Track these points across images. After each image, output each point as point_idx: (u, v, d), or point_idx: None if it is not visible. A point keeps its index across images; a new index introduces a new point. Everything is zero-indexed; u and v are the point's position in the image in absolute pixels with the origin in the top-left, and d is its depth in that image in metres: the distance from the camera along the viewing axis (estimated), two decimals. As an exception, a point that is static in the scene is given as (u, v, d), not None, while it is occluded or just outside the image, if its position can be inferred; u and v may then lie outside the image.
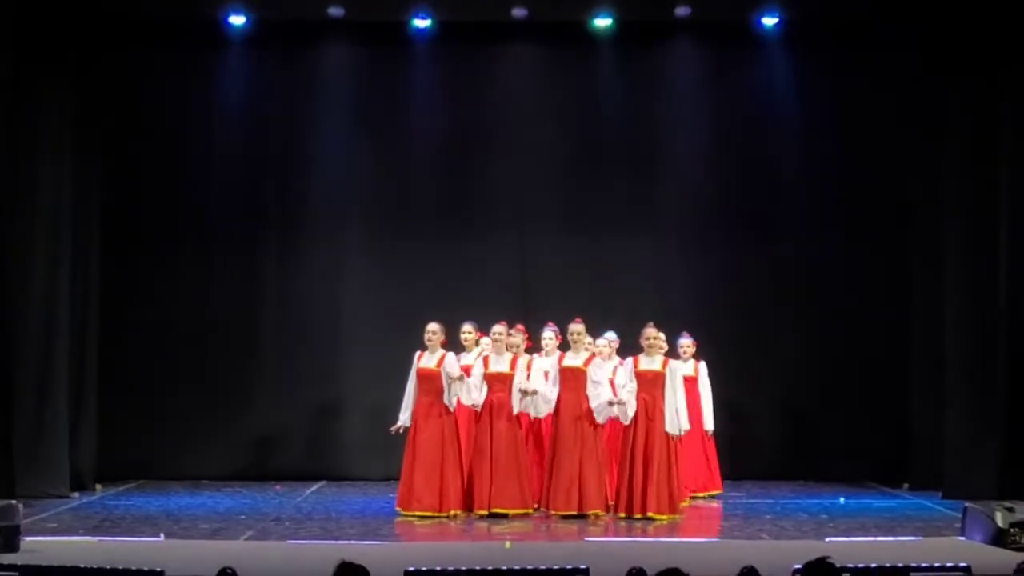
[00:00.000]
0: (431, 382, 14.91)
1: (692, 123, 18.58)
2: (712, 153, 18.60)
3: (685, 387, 16.17)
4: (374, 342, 18.17)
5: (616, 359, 15.51)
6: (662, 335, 15.30)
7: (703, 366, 16.53)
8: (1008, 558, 11.51)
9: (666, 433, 14.41)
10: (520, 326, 15.59)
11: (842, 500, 16.27)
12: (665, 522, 14.24)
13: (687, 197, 18.60)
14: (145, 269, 18.24)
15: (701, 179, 18.59)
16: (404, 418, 15.03)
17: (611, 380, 14.93)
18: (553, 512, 14.61)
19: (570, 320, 15.12)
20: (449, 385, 14.84)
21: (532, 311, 16.97)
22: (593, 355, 14.95)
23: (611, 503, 14.75)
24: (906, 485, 17.17)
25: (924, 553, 11.87)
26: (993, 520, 12.50)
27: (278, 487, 17.45)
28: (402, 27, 18.18)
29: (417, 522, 14.58)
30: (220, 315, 18.34)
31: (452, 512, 14.79)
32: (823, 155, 18.43)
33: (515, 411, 14.87)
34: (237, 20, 17.97)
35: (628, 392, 14.54)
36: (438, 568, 9.32)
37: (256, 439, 18.22)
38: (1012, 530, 12.40)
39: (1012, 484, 15.41)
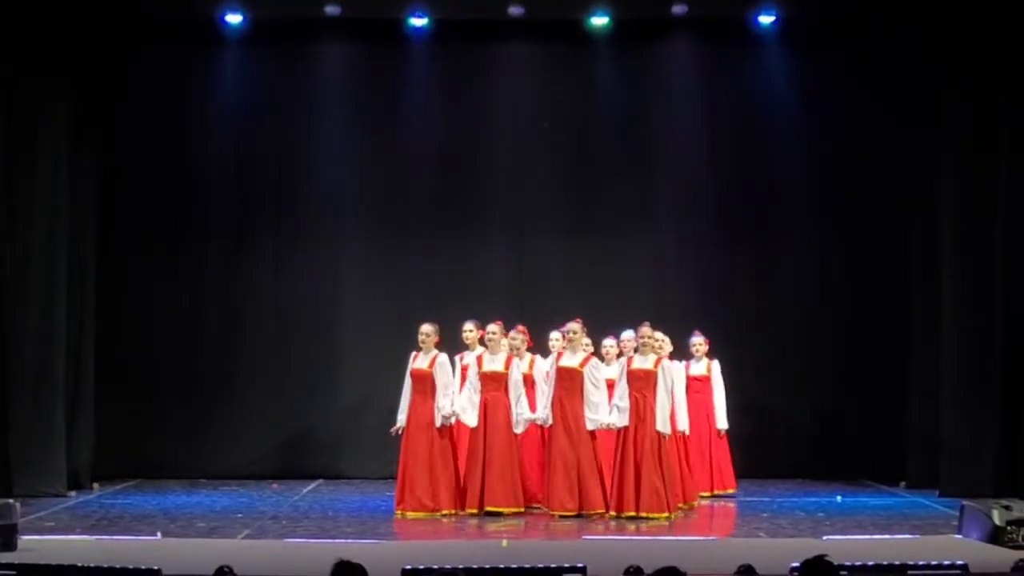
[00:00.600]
0: (424, 382, 14.94)
1: (689, 121, 18.58)
2: (709, 151, 18.60)
3: (697, 386, 16.27)
4: (371, 341, 18.18)
5: (624, 360, 15.44)
6: (659, 334, 15.30)
7: (716, 365, 16.52)
8: (1005, 556, 11.51)
9: (657, 432, 14.39)
10: (521, 327, 15.56)
11: (839, 498, 16.27)
12: (659, 521, 14.20)
13: (684, 196, 18.60)
14: (142, 269, 18.24)
15: (698, 177, 18.59)
16: (402, 419, 15.05)
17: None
18: (552, 511, 14.60)
19: (568, 320, 15.11)
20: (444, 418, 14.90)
21: (529, 311, 16.96)
22: (590, 355, 14.94)
23: (609, 502, 14.74)
24: (903, 483, 17.18)
25: (921, 551, 11.87)
26: (990, 518, 12.51)
27: (275, 486, 17.45)
28: (399, 25, 18.18)
29: (414, 520, 14.58)
30: (217, 315, 18.35)
31: (448, 511, 14.80)
32: (820, 154, 18.43)
33: (518, 431, 14.91)
34: (234, 19, 17.95)
35: (623, 412, 14.53)
36: (435, 567, 9.32)
37: (253, 438, 18.22)
38: (1009, 528, 12.41)
39: (1009, 482, 15.44)
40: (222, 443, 18.15)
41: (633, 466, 14.36)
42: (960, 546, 12.52)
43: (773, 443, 17.79)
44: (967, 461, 16.10)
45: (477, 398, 14.96)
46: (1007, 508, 12.57)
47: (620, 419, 14.51)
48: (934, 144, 16.89)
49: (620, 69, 18.58)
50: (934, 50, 16.85)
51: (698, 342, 16.51)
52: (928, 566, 9.77)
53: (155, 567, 9.35)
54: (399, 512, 14.85)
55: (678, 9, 17.70)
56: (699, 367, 16.47)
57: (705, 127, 18.61)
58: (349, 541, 13.06)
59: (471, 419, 14.94)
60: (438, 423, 14.85)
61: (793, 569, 8.02)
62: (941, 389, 16.54)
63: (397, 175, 18.59)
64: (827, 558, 7.44)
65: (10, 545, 11.88)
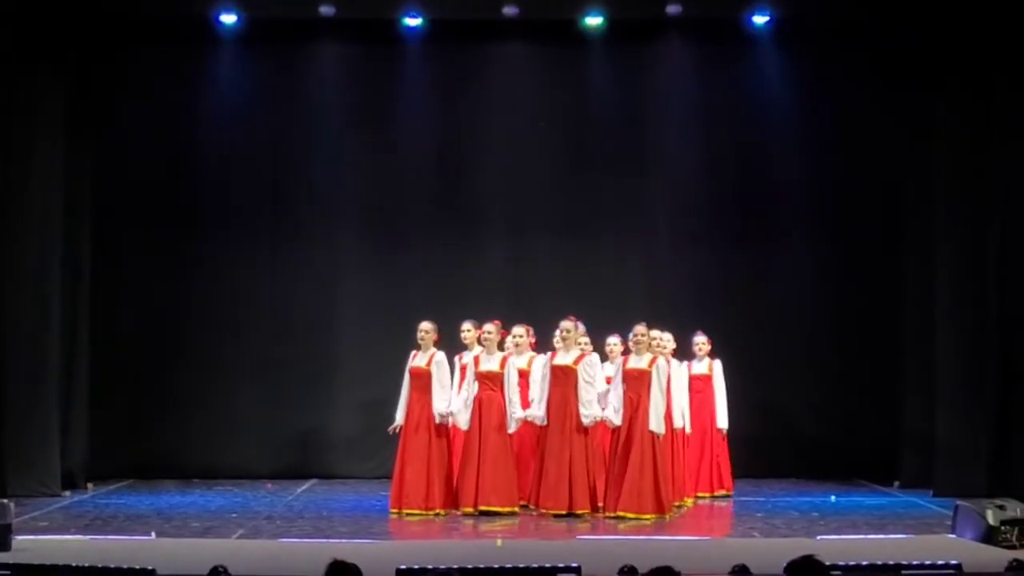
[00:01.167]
0: (422, 380, 14.95)
1: (684, 121, 18.60)
2: (704, 151, 18.62)
3: (699, 385, 16.29)
4: (367, 341, 18.19)
5: (621, 359, 15.47)
6: (665, 334, 15.32)
7: (718, 364, 16.53)
8: (999, 556, 11.52)
9: (650, 432, 14.38)
10: (526, 326, 15.54)
11: (833, 498, 16.28)
12: (646, 522, 14.17)
13: (680, 195, 18.62)
14: (136, 268, 18.24)
15: (694, 177, 18.61)
16: (399, 418, 15.07)
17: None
18: (544, 510, 14.60)
19: (563, 319, 15.12)
20: (442, 418, 14.92)
21: (525, 310, 16.95)
22: (584, 354, 14.94)
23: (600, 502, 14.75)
24: (897, 483, 17.21)
25: (915, 551, 11.87)
26: (984, 518, 12.52)
27: (269, 485, 17.45)
28: (393, 25, 18.19)
29: (408, 520, 14.59)
30: (212, 315, 18.34)
31: (442, 510, 14.82)
32: (815, 153, 18.45)
33: (510, 430, 14.91)
34: (228, 19, 17.96)
35: (616, 412, 14.55)
36: (430, 567, 9.32)
37: (248, 437, 18.21)
38: (1003, 528, 12.42)
39: (1002, 482, 15.43)
40: (216, 443, 18.14)
41: (622, 465, 14.34)
42: (954, 546, 12.53)
43: (768, 443, 17.78)
44: (961, 461, 16.11)
45: (472, 400, 14.97)
46: (1001, 508, 12.58)
47: (615, 417, 14.50)
48: (928, 144, 16.90)
49: (615, 69, 18.59)
50: (926, 50, 16.87)
51: (701, 341, 16.52)
52: (922, 566, 9.77)
53: (149, 567, 9.35)
54: (395, 511, 14.85)
55: (672, 9, 17.72)
56: (701, 366, 16.49)
57: (700, 127, 18.62)
58: (343, 541, 13.05)
59: (463, 421, 14.94)
60: (437, 420, 14.85)
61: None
62: (935, 389, 16.55)
63: (393, 175, 18.59)
64: (817, 557, 7.44)
65: (4, 545, 11.87)
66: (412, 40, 18.36)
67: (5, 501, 12.36)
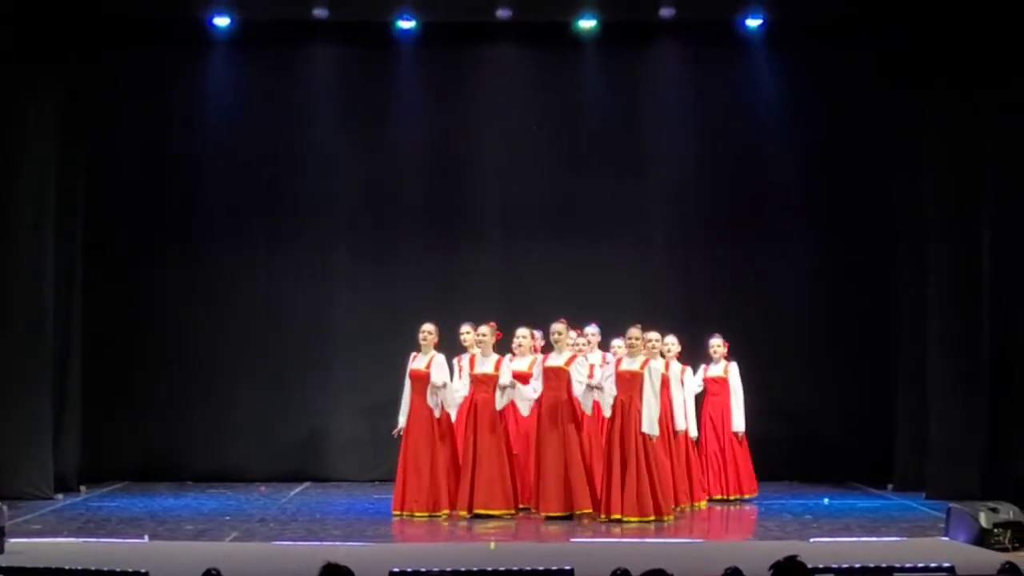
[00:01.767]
0: (423, 383, 14.96)
1: (677, 123, 18.61)
2: (697, 153, 18.62)
3: (715, 388, 16.27)
4: (361, 343, 18.19)
5: (599, 352, 15.47)
6: (657, 335, 15.32)
7: (734, 367, 16.48)
8: (992, 558, 11.53)
9: (643, 434, 14.37)
10: (531, 330, 15.54)
11: (826, 501, 16.29)
12: (641, 524, 14.14)
13: (673, 197, 18.62)
14: (130, 271, 18.23)
15: (687, 179, 18.61)
16: (402, 421, 15.10)
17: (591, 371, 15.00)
18: (541, 513, 14.60)
19: (555, 321, 15.12)
20: (434, 392, 14.87)
21: (520, 312, 16.95)
22: (576, 355, 14.95)
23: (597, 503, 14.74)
24: (890, 486, 17.21)
25: (908, 553, 11.90)
26: (977, 520, 12.53)
27: (263, 488, 17.44)
28: (387, 28, 18.19)
29: (410, 522, 14.62)
30: (206, 317, 18.33)
31: (444, 512, 14.84)
32: (807, 155, 18.46)
33: (498, 407, 14.90)
34: (221, 21, 17.96)
35: (607, 379, 14.54)
36: (423, 569, 9.33)
37: (242, 440, 18.20)
38: (996, 530, 12.43)
39: (995, 484, 15.44)
40: (210, 445, 18.13)
41: (619, 468, 14.34)
42: (947, 548, 12.54)
43: (761, 446, 17.71)
44: (954, 463, 16.11)
45: (463, 394, 15.00)
46: (994, 510, 12.59)
47: (607, 392, 14.50)
48: (919, 144, 16.92)
49: (608, 72, 18.60)
50: (919, 51, 16.88)
51: (716, 344, 16.49)
52: (915, 568, 9.79)
53: (143, 570, 9.35)
54: (398, 513, 14.88)
55: (665, 12, 17.72)
56: (717, 369, 16.46)
57: (693, 129, 18.63)
58: (337, 544, 13.04)
59: (453, 412, 14.98)
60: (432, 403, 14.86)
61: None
62: (928, 391, 16.56)
63: (387, 177, 18.59)
64: (799, 559, 7.45)
65: (-3, 548, 11.88)
66: (406, 43, 18.36)
67: (-2, 504, 12.36)
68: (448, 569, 9.35)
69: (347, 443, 18.20)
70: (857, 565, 9.69)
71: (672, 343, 15.90)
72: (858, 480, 17.75)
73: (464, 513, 14.75)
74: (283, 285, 18.47)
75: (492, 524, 14.44)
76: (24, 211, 16.37)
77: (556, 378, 14.71)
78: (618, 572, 8.18)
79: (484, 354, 15.09)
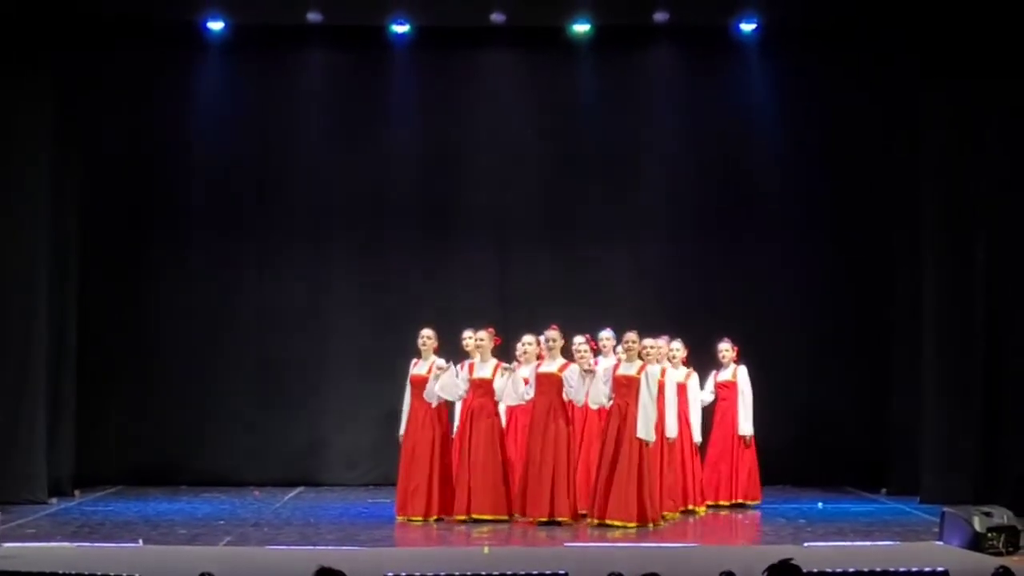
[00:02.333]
0: (423, 388, 15.01)
1: (671, 127, 18.60)
2: (692, 157, 18.61)
3: (724, 392, 16.28)
4: (354, 348, 18.18)
5: (613, 357, 15.41)
6: (654, 342, 15.33)
7: (743, 370, 16.42)
8: (985, 562, 11.54)
9: (637, 439, 14.36)
10: (537, 336, 15.55)
11: (820, 505, 16.30)
12: (628, 529, 14.12)
13: (667, 202, 18.60)
14: (124, 275, 18.20)
15: (681, 183, 18.60)
16: (404, 428, 15.13)
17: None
18: (530, 518, 14.59)
19: (548, 326, 15.14)
20: (436, 376, 14.90)
21: (512, 316, 16.97)
22: (568, 362, 14.97)
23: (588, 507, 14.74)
24: (884, 490, 17.22)
25: (902, 558, 11.90)
26: (971, 525, 12.55)
27: (257, 492, 17.43)
28: (381, 32, 18.17)
29: (411, 526, 14.66)
30: (199, 322, 18.31)
31: (444, 516, 14.88)
32: (802, 158, 18.46)
33: (498, 398, 14.96)
34: (216, 26, 17.94)
35: (606, 381, 14.57)
36: (417, 574, 9.33)
37: (235, 444, 18.18)
38: (989, 534, 12.46)
39: (989, 489, 15.44)
40: (204, 450, 18.12)
41: (608, 472, 14.33)
42: (941, 553, 12.56)
43: (756, 450, 17.76)
44: (948, 468, 16.11)
45: (463, 388, 15.05)
46: (987, 515, 12.61)
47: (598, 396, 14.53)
48: (915, 147, 16.93)
49: (602, 76, 18.58)
50: (915, 54, 16.89)
51: (725, 348, 16.46)
52: (909, 573, 9.78)
53: (136, 574, 9.35)
54: (401, 517, 14.92)
55: (659, 16, 17.72)
56: (726, 373, 16.44)
57: (687, 133, 18.62)
58: (330, 548, 13.04)
59: (450, 396, 15.07)
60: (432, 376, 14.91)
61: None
62: (922, 396, 16.56)
63: (381, 181, 18.57)
64: (793, 562, 7.45)
65: (-9, 552, 11.88)
66: (400, 47, 18.34)
67: (-8, 508, 12.37)
68: (442, 574, 9.36)
69: (341, 447, 18.19)
70: (851, 569, 9.69)
71: (677, 348, 15.89)
72: (852, 484, 17.75)
73: (459, 517, 14.75)
74: (277, 289, 18.45)
75: (487, 528, 14.43)
76: (16, 217, 16.35)
77: (549, 384, 14.72)
78: (612, 576, 8.20)
79: (483, 359, 15.08)
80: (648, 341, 14.82)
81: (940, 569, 9.70)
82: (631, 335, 14.66)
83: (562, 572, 9.48)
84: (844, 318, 18.30)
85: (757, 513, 15.93)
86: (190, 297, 18.34)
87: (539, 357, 15.08)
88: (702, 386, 16.32)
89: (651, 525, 14.27)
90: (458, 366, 15.27)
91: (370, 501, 16.39)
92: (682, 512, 15.41)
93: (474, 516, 14.72)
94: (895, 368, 17.42)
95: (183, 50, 18.19)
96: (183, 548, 13.14)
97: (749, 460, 16.34)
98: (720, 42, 18.33)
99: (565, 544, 13.37)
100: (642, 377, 14.44)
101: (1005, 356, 16.01)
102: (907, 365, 17.05)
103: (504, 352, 15.45)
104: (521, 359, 15.17)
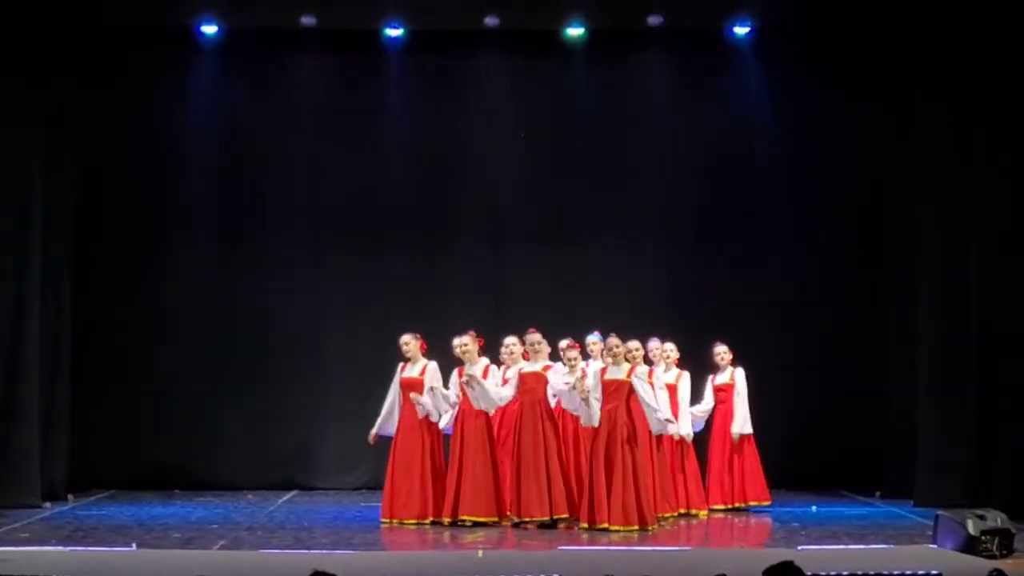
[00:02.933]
0: (415, 390, 15.07)
1: (666, 130, 18.61)
2: (686, 160, 18.63)
3: (722, 396, 16.30)
4: (348, 351, 18.18)
5: (600, 361, 15.41)
6: (668, 345, 15.50)
7: (740, 372, 16.36)
8: (980, 565, 11.56)
9: (628, 444, 14.34)
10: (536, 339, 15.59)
11: (814, 508, 16.31)
12: (627, 533, 14.09)
13: (661, 204, 18.62)
14: (118, 280, 18.21)
15: (676, 186, 18.61)
16: (378, 429, 15.15)
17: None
18: (525, 519, 14.58)
19: (542, 334, 15.17)
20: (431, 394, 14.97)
21: (506, 319, 16.97)
22: (550, 365, 15.03)
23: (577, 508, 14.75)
24: (878, 493, 17.23)
25: (896, 561, 11.89)
26: (965, 528, 12.54)
27: (251, 496, 17.43)
28: (375, 36, 18.18)
29: (400, 528, 14.67)
30: (193, 325, 18.31)
31: (433, 519, 14.89)
32: (797, 161, 18.47)
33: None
34: (209, 29, 17.94)
35: (594, 388, 14.56)
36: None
37: (229, 449, 18.19)
38: (983, 538, 12.45)
39: (983, 492, 15.45)
40: (197, 454, 18.11)
41: (604, 477, 14.31)
42: (935, 556, 12.55)
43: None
44: (942, 471, 16.13)
45: (451, 402, 15.08)
46: (981, 518, 12.61)
47: (591, 417, 14.50)
48: (909, 152, 16.95)
49: (597, 79, 18.60)
50: (909, 56, 16.91)
51: (722, 351, 16.43)
52: (903, 576, 9.81)
53: (130, 578, 9.34)
54: (387, 520, 14.93)
55: (654, 20, 17.74)
56: (724, 376, 16.43)
57: (682, 136, 18.64)
58: (324, 552, 13.04)
59: (441, 414, 15.14)
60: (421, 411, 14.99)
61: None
62: (916, 399, 16.58)
63: (375, 185, 18.58)
64: (794, 563, 7.46)
65: (-16, 556, 11.86)
66: (394, 50, 18.35)
67: (-15, 512, 12.35)
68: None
69: (335, 451, 18.19)
70: (845, 573, 9.73)
71: (670, 349, 15.91)
72: (846, 487, 17.76)
73: (450, 519, 14.77)
74: (270, 294, 18.45)
75: (482, 532, 14.42)
76: (10, 220, 16.32)
77: (535, 382, 14.78)
78: (606, 580, 8.20)
79: (471, 362, 15.10)
80: (632, 344, 14.83)
81: (934, 572, 9.74)
82: (614, 340, 14.64)
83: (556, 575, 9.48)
84: (838, 321, 18.31)
85: (757, 517, 15.88)
86: (185, 301, 18.33)
87: (525, 357, 15.11)
88: (700, 394, 16.30)
89: (650, 528, 14.27)
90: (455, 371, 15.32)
91: (364, 505, 16.39)
92: (682, 515, 15.46)
93: (463, 518, 14.74)
94: (889, 371, 17.44)
95: (177, 54, 18.21)
96: (177, 552, 13.11)
97: (751, 462, 16.32)
98: (714, 45, 18.34)
99: (559, 548, 13.36)
100: (633, 379, 14.43)
101: (999, 359, 16.00)
102: (901, 368, 17.06)
103: (493, 353, 15.46)
104: (507, 360, 15.18)
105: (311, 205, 18.57)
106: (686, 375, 16.05)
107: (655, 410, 14.49)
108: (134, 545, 13.25)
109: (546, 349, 15.03)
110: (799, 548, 13.06)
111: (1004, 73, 15.93)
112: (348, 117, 18.52)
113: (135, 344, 18.21)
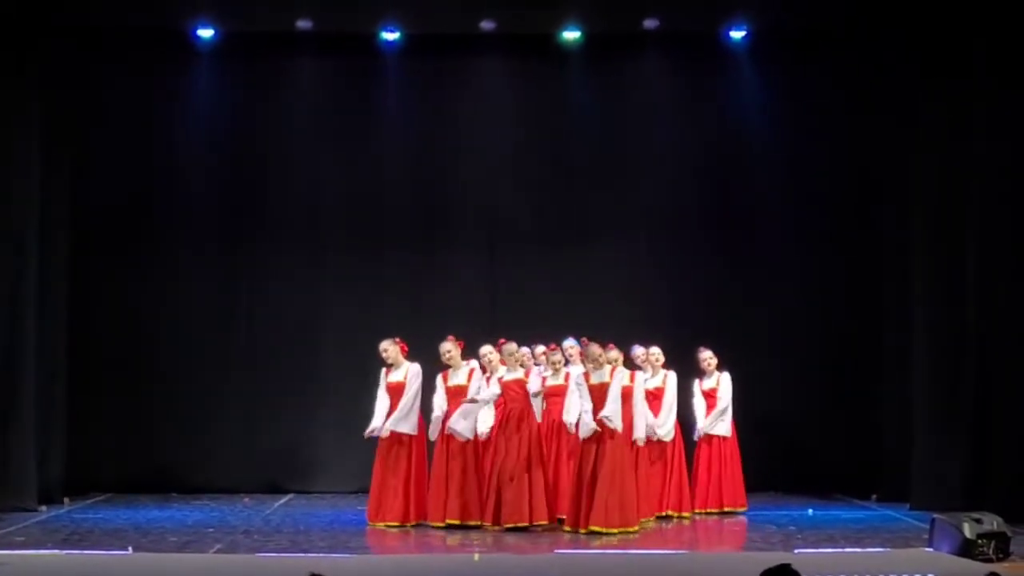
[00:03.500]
0: (400, 394, 15.12)
1: (662, 133, 18.62)
2: (683, 162, 18.63)
3: (711, 401, 16.31)
4: (345, 354, 18.16)
5: (579, 367, 15.41)
6: (654, 349, 15.65)
7: (725, 377, 16.41)
8: (975, 569, 11.57)
9: (610, 445, 14.35)
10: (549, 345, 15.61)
11: (810, 511, 16.31)
12: (610, 537, 14.10)
13: (658, 207, 18.63)
14: (115, 283, 18.21)
15: (673, 189, 18.62)
16: (376, 424, 15.22)
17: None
18: (506, 525, 14.58)
19: (538, 335, 15.20)
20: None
21: (502, 323, 16.98)
22: (529, 370, 15.11)
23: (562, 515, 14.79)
24: (874, 496, 17.25)
25: (892, 564, 11.90)
26: (961, 531, 12.54)
27: (247, 500, 17.43)
28: (371, 39, 18.18)
29: (386, 532, 14.68)
30: (191, 328, 18.31)
31: (418, 523, 14.96)
32: (794, 165, 18.47)
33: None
34: (206, 33, 17.94)
35: (580, 387, 14.61)
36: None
37: (226, 452, 18.18)
38: (979, 541, 12.45)
39: (979, 495, 15.45)
40: (194, 457, 18.11)
41: (590, 480, 14.31)
42: (931, 559, 12.55)
43: (744, 457, 17.73)
44: (938, 474, 16.12)
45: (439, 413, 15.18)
46: (977, 521, 12.61)
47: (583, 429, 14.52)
48: (906, 156, 16.95)
49: (592, 82, 18.61)
50: (905, 59, 16.92)
51: (707, 356, 16.46)
52: (899, 579, 9.82)
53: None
54: (372, 523, 15.00)
55: (649, 23, 17.74)
56: (710, 381, 16.44)
57: (678, 139, 18.65)
58: (321, 555, 13.03)
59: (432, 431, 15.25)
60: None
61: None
62: (912, 402, 16.58)
63: (371, 187, 18.59)
64: (792, 567, 7.46)
65: (-20, 560, 11.85)
66: (390, 54, 18.36)
67: (-18, 516, 12.35)
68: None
69: (331, 455, 18.19)
70: (841, 576, 9.71)
71: (657, 353, 15.94)
72: (842, 491, 17.77)
73: (439, 523, 14.83)
74: (267, 297, 18.46)
75: (472, 535, 14.43)
76: (7, 224, 16.31)
77: (517, 388, 14.82)
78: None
79: (455, 367, 15.16)
80: (613, 354, 14.84)
81: (930, 575, 9.71)
82: (595, 347, 14.63)
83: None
84: (835, 325, 18.31)
85: (744, 520, 15.91)
86: (181, 304, 18.34)
87: (503, 363, 15.17)
88: (686, 397, 16.33)
89: (633, 530, 14.27)
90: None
91: (360, 508, 16.35)
92: (669, 518, 15.56)
93: (449, 522, 14.80)
94: (886, 375, 17.44)
95: (173, 58, 18.20)
96: (173, 556, 13.10)
97: (733, 467, 16.35)
98: (710, 49, 18.36)
99: (555, 551, 13.36)
100: (613, 381, 14.46)
101: (996, 362, 15.99)
102: (897, 372, 17.06)
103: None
104: (487, 368, 15.19)
105: (307, 208, 18.57)
106: (672, 375, 16.10)
107: (642, 420, 14.80)
108: (130, 549, 13.24)
109: (520, 357, 15.12)
110: (796, 551, 13.06)
111: (1004, 73, 15.92)
112: (345, 120, 18.52)
113: (132, 348, 18.20)
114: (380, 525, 14.99)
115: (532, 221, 18.58)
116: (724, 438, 16.32)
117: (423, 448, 15.25)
